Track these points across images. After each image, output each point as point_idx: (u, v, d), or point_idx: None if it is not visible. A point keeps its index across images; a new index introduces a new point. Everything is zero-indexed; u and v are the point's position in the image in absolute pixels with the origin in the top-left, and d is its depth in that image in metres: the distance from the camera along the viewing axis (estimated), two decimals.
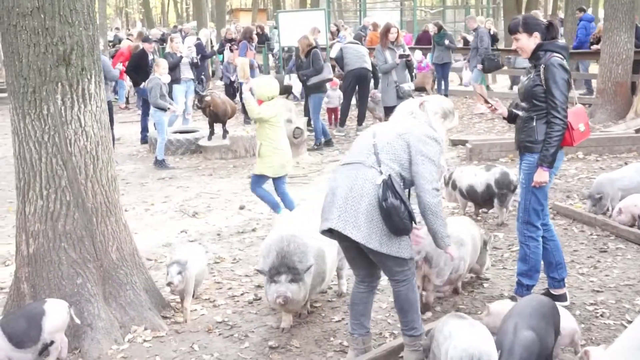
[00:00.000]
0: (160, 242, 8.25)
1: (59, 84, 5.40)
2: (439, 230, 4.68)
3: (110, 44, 26.35)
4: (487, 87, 17.72)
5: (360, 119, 14.64)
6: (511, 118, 5.84)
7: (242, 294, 6.48)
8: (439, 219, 4.64)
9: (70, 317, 5.08)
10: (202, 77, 17.91)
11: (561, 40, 6.65)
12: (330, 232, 4.67)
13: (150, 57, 14.37)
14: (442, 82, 17.68)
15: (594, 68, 17.95)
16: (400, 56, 12.03)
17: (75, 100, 5.48)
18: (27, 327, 4.88)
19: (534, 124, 5.47)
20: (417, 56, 18.58)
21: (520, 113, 5.66)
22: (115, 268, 5.77)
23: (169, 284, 5.71)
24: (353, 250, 4.75)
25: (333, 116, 15.54)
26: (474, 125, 14.65)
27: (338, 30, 22.22)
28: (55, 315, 4.96)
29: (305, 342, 5.42)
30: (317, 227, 4.83)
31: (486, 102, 5.95)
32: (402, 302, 4.80)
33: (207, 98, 13.09)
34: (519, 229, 5.76)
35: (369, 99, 14.37)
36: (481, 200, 8.27)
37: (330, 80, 13.75)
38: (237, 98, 16.62)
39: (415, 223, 4.65)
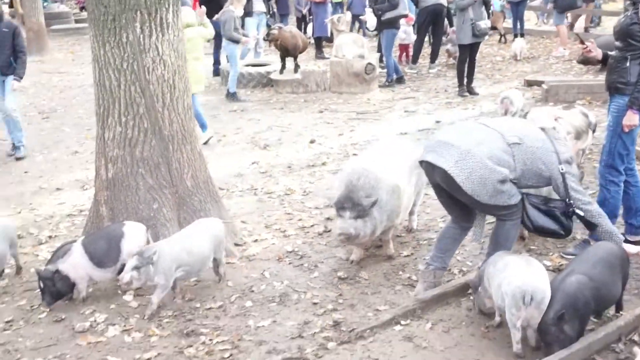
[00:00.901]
0: (232, 173, 8.38)
1: (138, 12, 5.46)
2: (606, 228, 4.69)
3: None
4: (571, 27, 17.10)
5: (433, 57, 14.41)
6: (605, 61, 5.64)
7: (312, 226, 6.56)
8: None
9: (147, 240, 5.23)
10: (274, 10, 17.83)
11: None
12: (428, 166, 4.71)
13: None
14: (518, 22, 17.13)
15: None
16: None
17: (154, 28, 5.54)
18: (107, 248, 5.07)
19: (628, 64, 5.26)
20: None
21: (613, 53, 5.46)
22: (190, 195, 5.90)
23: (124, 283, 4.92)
24: (446, 194, 4.80)
25: (405, 53, 15.32)
26: (551, 67, 14.22)
27: None
28: (134, 237, 5.13)
29: (374, 275, 5.47)
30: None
31: (582, 42, 5.75)
32: (500, 235, 4.81)
33: (274, 31, 13.01)
34: (601, 172, 5.61)
35: (445, 37, 14.08)
36: None
37: (405, 16, 13.48)
38: (309, 32, 16.54)
39: None
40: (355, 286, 5.32)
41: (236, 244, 6.08)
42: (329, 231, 6.38)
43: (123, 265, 5.01)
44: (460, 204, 4.82)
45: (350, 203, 5.28)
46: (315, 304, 5.05)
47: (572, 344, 4.10)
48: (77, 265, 4.98)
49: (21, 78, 9.06)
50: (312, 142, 9.65)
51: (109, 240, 5.11)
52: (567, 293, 4.12)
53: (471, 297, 4.84)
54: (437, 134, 4.91)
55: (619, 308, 4.60)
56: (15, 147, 9.40)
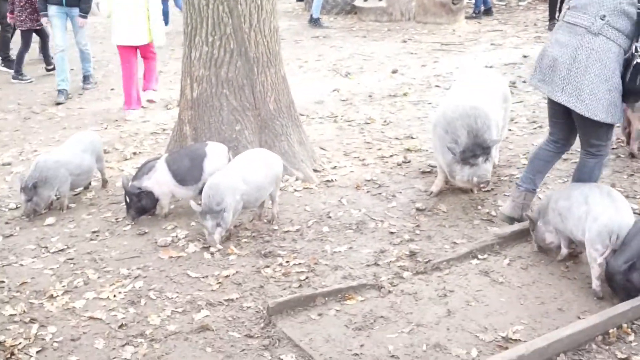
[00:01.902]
0: (312, 99, 8.37)
1: None
2: None
3: None
4: None
5: None
6: None
7: (391, 156, 6.52)
8: None
9: (228, 160, 5.30)
10: None
11: None
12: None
13: None
14: None
15: None
16: None
17: None
18: (190, 166, 5.16)
19: None
20: None
21: None
22: (272, 118, 5.92)
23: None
24: (561, 114, 4.71)
25: None
26: None
27: None
28: (216, 157, 5.20)
29: (452, 208, 5.42)
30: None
31: None
32: (583, 173, 4.75)
33: None
34: None
35: None
36: None
37: None
38: None
39: None
40: (433, 218, 5.28)
41: (315, 170, 6.10)
42: (409, 162, 6.34)
43: (204, 185, 5.10)
44: (569, 122, 4.71)
45: (481, 149, 5.13)
46: (392, 233, 5.05)
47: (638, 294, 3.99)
48: (161, 182, 5.11)
49: (86, 14, 8.85)
50: (394, 72, 9.53)
51: (192, 159, 5.20)
52: None
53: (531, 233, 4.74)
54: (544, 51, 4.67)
55: None
56: (84, 78, 9.49)
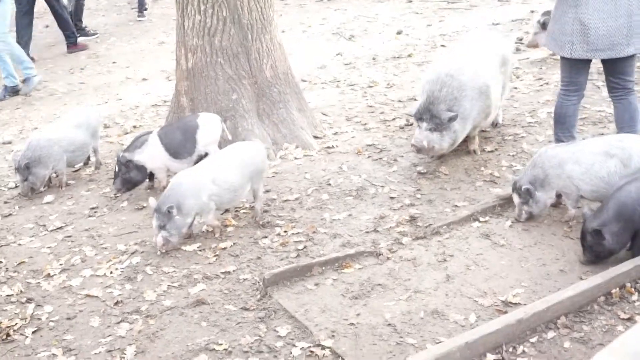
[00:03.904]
0: (315, 64, 8.25)
1: None
2: None
3: None
4: None
5: None
6: None
7: (393, 119, 6.40)
8: None
9: (222, 131, 5.22)
10: None
11: None
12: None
13: None
14: None
15: None
16: None
17: None
18: (182, 139, 5.09)
19: None
20: None
21: None
22: (269, 86, 5.82)
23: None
24: (588, 67, 4.83)
25: None
26: None
27: None
28: (208, 128, 5.13)
29: (455, 170, 5.31)
30: None
31: None
32: (631, 111, 4.81)
33: None
34: None
35: None
36: None
37: None
38: None
39: None
40: (434, 181, 5.19)
41: (316, 137, 6.01)
42: (411, 125, 6.22)
43: (199, 157, 5.04)
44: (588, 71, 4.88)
45: (429, 115, 5.06)
46: (392, 198, 4.96)
47: (611, 254, 3.92)
48: (154, 156, 5.04)
49: None
50: (399, 33, 9.36)
51: (184, 131, 5.12)
52: (623, 203, 3.86)
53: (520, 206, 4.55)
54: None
55: None
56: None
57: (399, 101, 6.84)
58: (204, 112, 5.49)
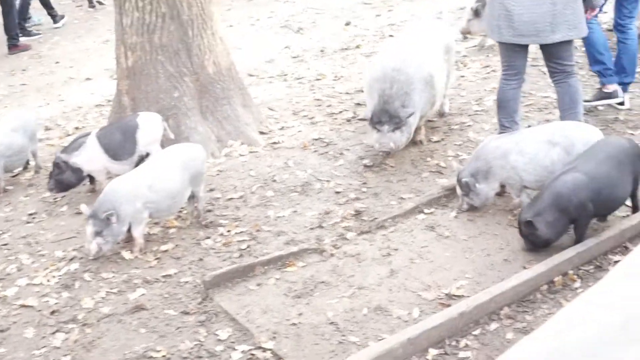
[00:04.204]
0: (263, 58, 8.14)
1: None
2: None
3: None
4: None
5: None
6: None
7: (340, 112, 6.33)
8: None
9: (164, 130, 5.10)
10: None
11: None
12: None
13: None
14: None
15: None
16: None
17: None
18: (122, 140, 4.95)
19: None
20: None
21: None
22: (212, 82, 5.70)
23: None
24: (525, 52, 4.86)
25: None
26: None
27: None
28: (149, 128, 5.00)
29: (401, 162, 5.26)
30: None
31: None
32: (574, 93, 4.86)
33: None
34: None
35: None
36: None
37: None
38: None
39: None
40: (381, 174, 5.13)
41: (261, 132, 5.92)
42: (358, 117, 6.16)
43: (140, 158, 4.91)
44: (526, 56, 4.92)
45: (387, 116, 4.99)
46: (337, 193, 4.90)
47: (548, 244, 3.92)
48: (92, 159, 4.89)
49: None
50: (347, 24, 9.29)
51: (123, 132, 4.98)
52: (558, 193, 3.85)
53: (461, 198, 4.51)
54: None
55: (635, 208, 4.20)
56: None
57: (347, 93, 6.77)
58: (145, 111, 5.36)
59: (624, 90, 5.87)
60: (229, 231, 4.51)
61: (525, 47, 4.83)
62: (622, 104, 5.84)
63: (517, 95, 4.99)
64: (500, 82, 5.00)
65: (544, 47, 4.82)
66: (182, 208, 4.77)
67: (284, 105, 6.61)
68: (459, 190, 4.43)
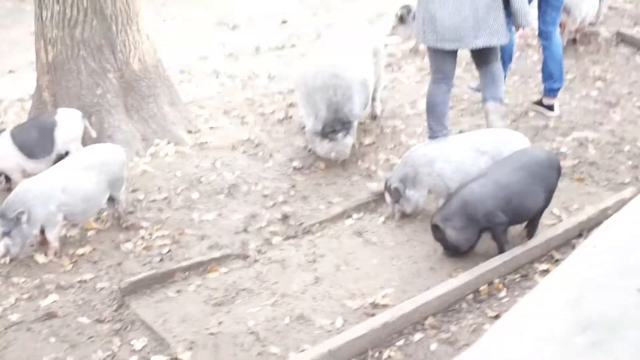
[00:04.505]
0: (196, 55, 7.93)
1: None
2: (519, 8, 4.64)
3: None
4: None
5: None
6: None
7: (272, 112, 6.20)
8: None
9: (84, 127, 4.88)
10: None
11: None
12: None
13: None
14: None
15: None
16: None
17: None
18: (39, 137, 4.71)
19: None
20: None
21: None
22: (137, 80, 5.50)
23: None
24: (454, 57, 4.86)
25: None
26: None
27: None
28: (68, 125, 4.76)
29: (331, 164, 5.16)
30: None
31: None
32: (498, 79, 4.95)
33: None
34: None
35: None
36: None
37: None
38: None
39: None
40: (310, 177, 5.03)
41: (189, 132, 5.74)
42: (290, 118, 6.04)
43: (59, 156, 4.69)
44: (455, 61, 4.93)
45: (340, 124, 4.92)
46: (265, 196, 4.77)
47: (461, 250, 3.89)
48: (5, 157, 4.64)
49: None
50: (284, 22, 9.16)
51: (40, 129, 4.74)
52: (465, 200, 3.80)
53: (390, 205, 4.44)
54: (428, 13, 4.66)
55: (530, 234, 4.06)
56: None
57: (279, 93, 6.64)
58: (66, 107, 5.13)
59: (554, 96, 5.90)
60: (150, 234, 4.34)
61: (453, 52, 4.81)
62: (551, 109, 5.87)
63: (446, 99, 4.96)
64: (430, 86, 4.97)
65: (471, 51, 4.88)
66: (104, 209, 4.57)
67: (215, 104, 6.44)
68: (388, 198, 4.35)
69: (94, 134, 4.98)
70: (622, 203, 4.30)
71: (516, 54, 7.44)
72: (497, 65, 4.94)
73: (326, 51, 5.37)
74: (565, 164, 5.05)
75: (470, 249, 3.94)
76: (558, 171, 4.01)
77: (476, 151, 4.16)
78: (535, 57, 7.46)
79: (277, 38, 8.50)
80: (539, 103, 5.99)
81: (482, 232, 3.86)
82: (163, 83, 5.73)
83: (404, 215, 4.37)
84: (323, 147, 5.03)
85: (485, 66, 4.93)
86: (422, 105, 6.11)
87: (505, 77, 5.72)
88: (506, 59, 5.76)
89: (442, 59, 4.83)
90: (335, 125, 4.93)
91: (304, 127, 5.66)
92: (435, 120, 4.91)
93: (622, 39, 7.91)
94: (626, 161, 5.11)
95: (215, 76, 7.23)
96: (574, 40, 7.50)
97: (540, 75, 6.78)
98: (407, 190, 4.25)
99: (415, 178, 4.22)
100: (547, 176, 3.92)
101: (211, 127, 5.89)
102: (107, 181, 4.23)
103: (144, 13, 5.62)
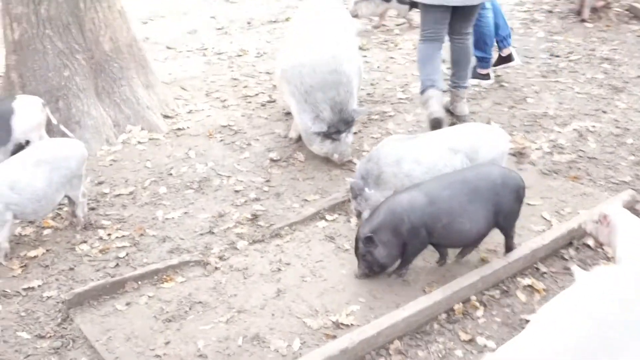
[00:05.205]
0: (185, 29, 7.58)
1: None
2: None
3: None
4: None
5: None
6: None
7: (256, 94, 5.87)
8: None
9: (46, 115, 4.57)
10: None
11: None
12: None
13: None
14: None
15: None
16: None
17: None
18: None
19: None
20: None
21: None
22: (108, 60, 5.18)
23: None
24: (446, 16, 4.86)
25: None
26: None
27: None
28: (27, 113, 4.43)
29: (312, 156, 4.84)
30: None
31: None
32: (467, 54, 5.09)
33: None
34: None
35: None
36: None
37: None
38: None
39: None
40: (287, 170, 4.71)
41: (166, 116, 5.43)
42: (274, 101, 5.71)
43: (17, 147, 4.40)
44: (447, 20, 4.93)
45: (344, 124, 4.60)
46: (236, 191, 4.46)
47: (384, 267, 3.52)
48: None
49: None
50: None
51: None
52: (391, 211, 3.42)
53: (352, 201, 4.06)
54: None
55: (507, 249, 3.64)
56: None
57: (267, 73, 6.30)
58: (33, 89, 4.84)
59: (508, 44, 5.88)
60: (109, 235, 4.05)
61: (447, 14, 4.83)
62: (487, 77, 5.90)
63: (439, 55, 4.97)
64: (421, 45, 4.99)
65: (455, 12, 4.85)
66: (63, 204, 4.28)
67: (198, 85, 6.11)
68: (349, 194, 4.00)
69: (54, 121, 4.66)
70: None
71: (520, 31, 7.07)
72: (471, 39, 5.09)
73: (313, 38, 4.82)
74: (561, 159, 4.72)
75: (392, 266, 3.58)
76: (515, 193, 3.46)
77: (450, 150, 3.77)
78: (540, 33, 7.05)
79: (271, 10, 8.13)
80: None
81: (404, 248, 3.49)
82: (138, 63, 5.40)
83: (359, 215, 3.97)
84: (324, 147, 4.66)
85: (461, 35, 5.00)
86: (414, 88, 5.80)
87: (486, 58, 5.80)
88: (488, 41, 5.65)
89: (436, 20, 4.85)
90: (339, 126, 4.59)
91: (287, 113, 5.36)
92: (426, 75, 4.89)
93: (635, 14, 7.48)
94: (628, 156, 4.74)
95: (202, 54, 6.88)
96: (582, 21, 7.17)
97: (542, 55, 6.44)
98: (368, 189, 3.88)
99: (379, 177, 3.83)
100: (496, 197, 3.41)
101: (190, 111, 5.58)
102: (61, 179, 3.92)
103: None
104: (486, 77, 5.91)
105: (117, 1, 5.26)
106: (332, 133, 4.60)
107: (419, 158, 3.75)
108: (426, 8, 4.84)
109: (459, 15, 4.86)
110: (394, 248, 3.43)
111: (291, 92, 4.68)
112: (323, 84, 4.54)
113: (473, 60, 5.43)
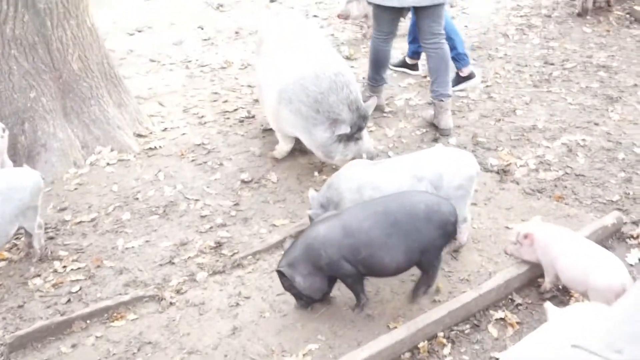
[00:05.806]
0: (170, 40, 7.40)
1: None
2: None
3: None
4: None
5: None
6: None
7: (235, 110, 5.66)
8: None
9: (6, 140, 4.39)
10: None
11: None
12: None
13: None
14: None
15: None
16: None
17: None
18: None
19: None
20: None
21: None
22: (77, 80, 5.00)
23: None
24: (399, 15, 5.21)
25: None
26: None
27: None
28: None
29: (285, 177, 4.64)
30: None
31: None
32: (445, 59, 5.12)
33: None
34: None
35: None
36: None
37: None
38: None
39: None
40: (259, 191, 4.51)
41: (139, 135, 5.24)
42: (252, 117, 5.51)
43: None
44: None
45: (363, 120, 4.42)
46: (202, 217, 4.27)
47: (312, 298, 3.35)
48: None
49: None
50: (272, 1, 8.55)
51: None
52: (308, 245, 3.24)
53: None
54: None
55: (424, 287, 3.41)
56: None
57: (249, 86, 6.10)
58: None
59: (467, 63, 5.80)
60: (64, 267, 3.87)
61: (399, 14, 5.18)
62: (472, 76, 5.83)
63: (389, 53, 5.39)
64: (375, 43, 5.31)
65: (419, 13, 5.06)
66: (21, 234, 4.10)
67: (177, 100, 5.92)
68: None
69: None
70: (602, 231, 3.75)
71: (515, 37, 6.83)
72: (446, 44, 5.13)
73: (300, 52, 4.61)
74: (547, 176, 4.47)
75: (325, 297, 3.39)
76: (440, 230, 3.21)
77: (413, 177, 3.53)
78: (535, 40, 6.80)
79: (261, 20, 7.90)
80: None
81: (333, 280, 3.31)
82: (109, 81, 5.22)
83: None
84: (349, 152, 4.40)
85: (433, 37, 5.07)
86: (399, 101, 5.61)
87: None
88: (453, 35, 5.63)
89: (392, 20, 5.18)
90: (360, 122, 4.40)
91: (265, 130, 5.17)
92: (376, 71, 5.37)
93: (636, 17, 7.20)
94: (618, 173, 4.49)
95: (185, 66, 6.70)
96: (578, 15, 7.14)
97: (536, 63, 6.22)
98: None
99: (339, 204, 3.60)
100: (418, 231, 3.17)
101: (164, 129, 5.39)
102: (14, 211, 3.73)
103: (88, 3, 5.09)
104: (470, 76, 5.78)
105: (87, 18, 5.08)
106: (354, 133, 4.40)
107: (381, 185, 3.52)
108: (381, 8, 5.08)
109: (422, 15, 5.03)
110: (317, 280, 3.27)
111: (296, 110, 4.43)
112: (333, 86, 4.36)
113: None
